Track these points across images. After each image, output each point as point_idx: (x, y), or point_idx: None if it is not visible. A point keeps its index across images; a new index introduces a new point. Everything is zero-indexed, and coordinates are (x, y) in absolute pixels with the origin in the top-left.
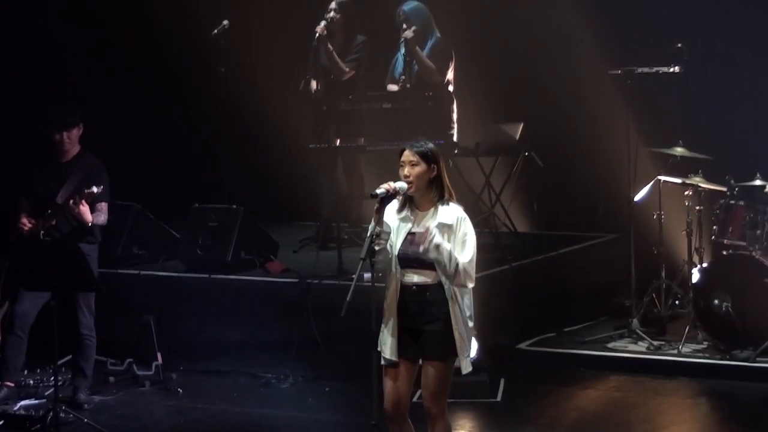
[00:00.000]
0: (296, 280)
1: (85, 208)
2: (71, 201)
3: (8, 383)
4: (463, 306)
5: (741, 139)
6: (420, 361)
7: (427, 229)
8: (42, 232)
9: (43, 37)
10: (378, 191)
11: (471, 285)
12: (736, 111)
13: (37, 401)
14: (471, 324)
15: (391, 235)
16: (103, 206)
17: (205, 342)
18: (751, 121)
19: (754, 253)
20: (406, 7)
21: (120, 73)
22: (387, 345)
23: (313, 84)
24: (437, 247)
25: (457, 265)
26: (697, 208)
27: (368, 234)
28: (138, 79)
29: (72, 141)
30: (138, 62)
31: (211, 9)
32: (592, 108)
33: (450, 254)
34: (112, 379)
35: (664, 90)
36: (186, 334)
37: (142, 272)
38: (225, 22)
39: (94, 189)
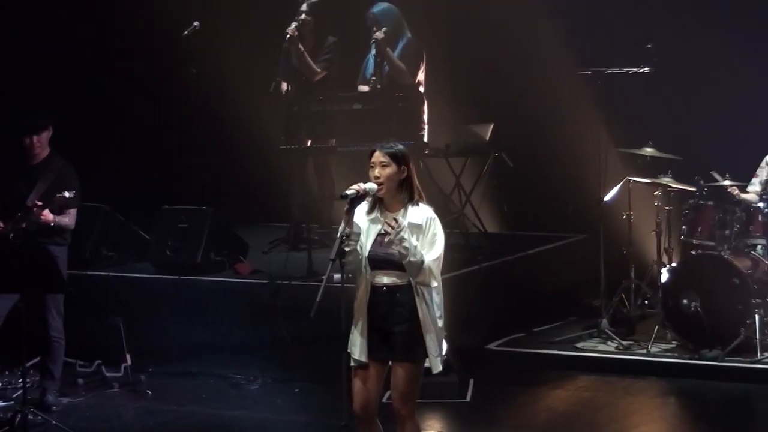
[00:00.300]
0: (266, 282)
1: (45, 211)
2: (35, 204)
3: None
4: (433, 306)
5: (710, 140)
6: (389, 363)
7: (398, 222)
8: (11, 234)
9: (11, 39)
10: (348, 192)
11: (434, 284)
12: (705, 112)
13: (5, 403)
14: (441, 324)
15: (361, 236)
16: (73, 212)
17: (174, 343)
18: (720, 122)
19: (722, 253)
20: (375, 9)
21: (90, 74)
22: (356, 346)
23: (284, 85)
24: (401, 240)
25: (422, 261)
26: (666, 208)
27: (338, 235)
28: (108, 80)
29: (42, 144)
30: (108, 63)
31: (182, 10)
32: (561, 109)
33: (415, 249)
34: (80, 380)
35: (633, 91)
36: (155, 335)
37: (112, 274)
38: (195, 23)
39: (66, 194)
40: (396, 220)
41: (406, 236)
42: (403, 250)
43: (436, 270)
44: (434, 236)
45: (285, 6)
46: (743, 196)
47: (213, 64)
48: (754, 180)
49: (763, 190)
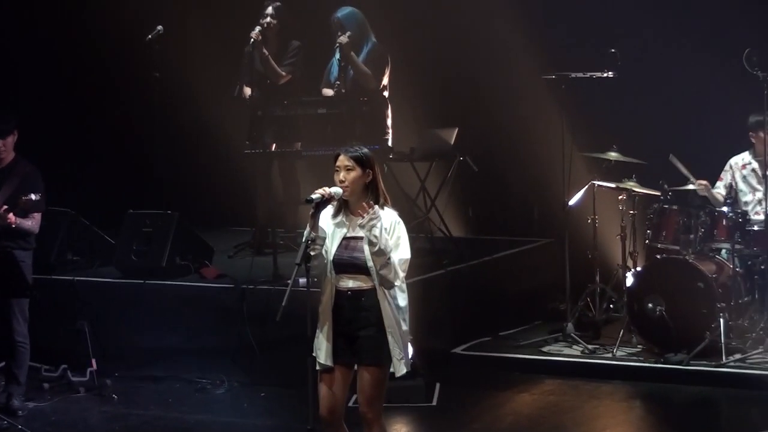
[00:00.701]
0: (231, 286)
1: (10, 214)
2: (3, 208)
3: None
4: (398, 310)
5: (674, 144)
6: (355, 366)
7: (374, 209)
8: None
9: None
10: (313, 196)
11: (398, 283)
12: (669, 116)
13: None
14: (405, 327)
15: (327, 240)
16: (37, 216)
17: (140, 348)
18: (684, 126)
19: (687, 257)
20: (339, 14)
21: (53, 78)
22: (322, 350)
23: (247, 89)
24: (372, 227)
25: (389, 251)
26: (631, 212)
27: (303, 239)
28: (71, 84)
29: (7, 148)
30: (71, 67)
31: (146, 14)
32: (526, 113)
33: (386, 240)
34: (46, 385)
35: (597, 95)
36: (121, 340)
37: (77, 278)
38: (159, 27)
39: (32, 196)
40: (372, 206)
41: (378, 225)
42: (372, 238)
43: (401, 269)
44: (398, 239)
45: (249, 10)
46: (715, 194)
47: (176, 68)
48: (718, 183)
49: (727, 194)
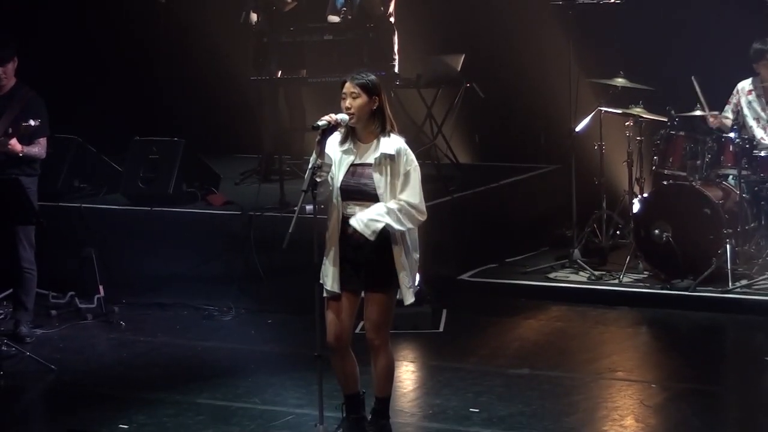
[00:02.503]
0: (238, 213)
1: (13, 140)
2: (3, 133)
3: None
4: (407, 237)
5: (681, 70)
6: (362, 293)
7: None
8: None
9: None
10: (319, 123)
11: (423, 218)
12: (676, 42)
13: None
14: (416, 255)
15: (333, 167)
16: (42, 141)
17: (147, 275)
18: (691, 52)
19: (694, 183)
20: None
21: (60, 7)
22: (329, 277)
23: (253, 16)
24: (374, 232)
25: (398, 216)
26: (638, 138)
27: (310, 166)
28: (77, 12)
29: (8, 74)
30: None
31: None
32: (533, 39)
33: (390, 220)
34: (54, 312)
35: (604, 21)
36: (128, 267)
37: (84, 205)
38: None
39: (32, 122)
40: (352, 229)
41: (377, 225)
42: (382, 225)
43: (421, 206)
44: (408, 168)
45: None
46: (723, 120)
47: None
48: (727, 107)
49: (735, 118)
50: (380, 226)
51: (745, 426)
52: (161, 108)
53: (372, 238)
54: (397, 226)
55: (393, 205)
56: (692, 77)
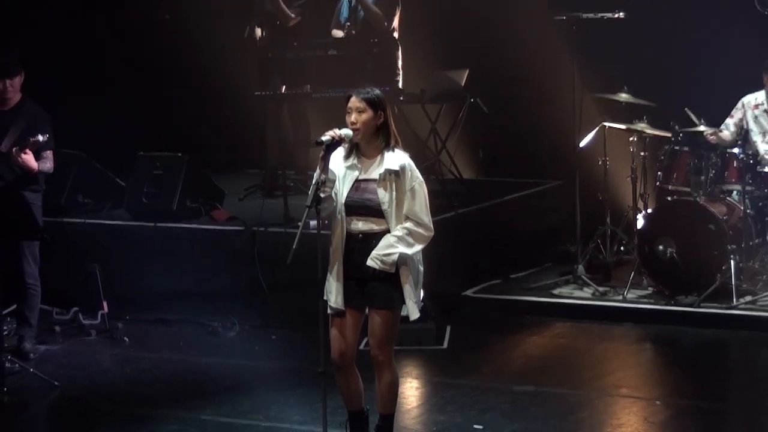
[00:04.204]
0: (242, 228)
1: (29, 156)
2: (15, 149)
3: None
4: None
5: (685, 85)
6: (367, 309)
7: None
8: None
9: None
10: (323, 138)
11: (431, 235)
12: (680, 57)
13: None
14: (421, 268)
15: (337, 182)
16: (49, 154)
17: (151, 291)
18: (695, 67)
19: (698, 199)
20: None
21: (65, 21)
22: (333, 293)
23: (258, 31)
24: (393, 264)
25: (410, 242)
26: (642, 154)
27: (314, 181)
28: (82, 27)
29: (14, 89)
30: (83, 9)
31: None
32: (537, 54)
33: (404, 246)
34: (57, 328)
35: (608, 36)
36: (132, 282)
37: (88, 221)
38: None
39: (40, 137)
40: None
41: (392, 257)
42: (398, 254)
43: (428, 223)
44: (413, 186)
45: None
46: (720, 134)
47: (187, 9)
48: (728, 121)
49: (737, 133)
50: (395, 257)
51: None
52: (165, 123)
53: (393, 270)
54: (410, 252)
55: (399, 231)
56: (685, 109)
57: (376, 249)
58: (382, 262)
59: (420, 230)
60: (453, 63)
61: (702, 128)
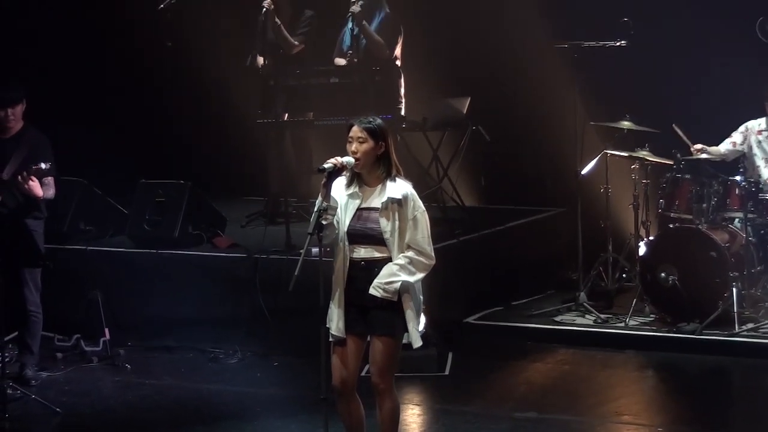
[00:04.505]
0: (244, 255)
1: (35, 183)
2: (20, 177)
3: None
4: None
5: (687, 113)
6: (368, 336)
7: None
8: None
9: None
10: (325, 166)
11: (432, 264)
12: (681, 85)
13: None
14: (420, 297)
15: (339, 210)
16: (51, 180)
17: (153, 317)
18: (696, 95)
19: (700, 227)
20: None
21: (66, 47)
22: (335, 321)
23: (260, 59)
24: (395, 292)
25: (414, 272)
26: (644, 181)
27: (315, 209)
28: (84, 53)
29: (16, 117)
30: (84, 36)
31: None
32: (538, 82)
33: (408, 273)
34: (59, 355)
35: (610, 64)
36: (134, 309)
37: (89, 248)
38: None
39: (42, 165)
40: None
41: (394, 285)
42: (402, 281)
43: (430, 250)
44: (415, 216)
45: None
46: (708, 148)
47: (189, 37)
48: (726, 141)
49: (731, 153)
50: (398, 285)
51: None
52: (167, 151)
53: (395, 298)
54: (412, 280)
55: (402, 260)
56: (673, 125)
57: (378, 277)
58: (385, 290)
59: (422, 259)
60: (455, 91)
61: (704, 156)
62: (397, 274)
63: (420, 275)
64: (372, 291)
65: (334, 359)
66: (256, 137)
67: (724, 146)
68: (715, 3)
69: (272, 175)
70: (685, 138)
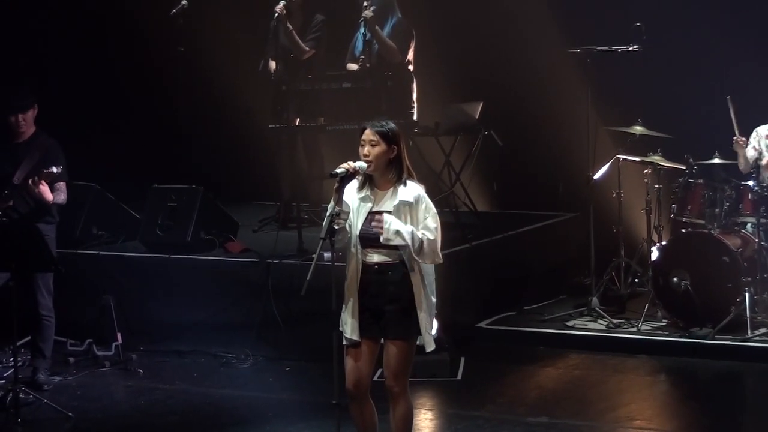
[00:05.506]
0: (256, 260)
1: (45, 188)
2: (30, 181)
3: None
4: (426, 283)
5: (700, 118)
6: (382, 340)
7: (381, 218)
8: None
9: None
10: (338, 171)
11: (438, 261)
12: (694, 90)
13: None
14: (434, 299)
15: (351, 214)
16: (62, 185)
17: (165, 322)
18: (709, 100)
19: (712, 231)
20: None
21: (78, 53)
22: (348, 325)
23: (272, 64)
24: (397, 233)
25: (422, 243)
26: (656, 186)
27: (328, 213)
28: (96, 59)
29: (28, 122)
30: (96, 41)
31: None
32: (551, 87)
33: (412, 235)
34: (71, 359)
35: (623, 69)
36: (146, 314)
37: (102, 253)
38: (184, 1)
39: (54, 169)
40: (379, 217)
41: (397, 228)
42: (402, 242)
43: (437, 248)
44: (427, 214)
45: None
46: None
47: (201, 42)
48: (749, 146)
49: (752, 164)
50: (399, 239)
51: None
52: (179, 155)
53: (386, 235)
54: (413, 248)
55: (420, 234)
56: (728, 97)
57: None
58: (388, 230)
59: (433, 249)
60: (467, 96)
61: (717, 161)
62: (409, 233)
63: (423, 260)
64: (385, 216)
65: (348, 363)
66: (268, 142)
67: (750, 152)
68: (727, 8)
69: (284, 180)
70: (734, 119)
